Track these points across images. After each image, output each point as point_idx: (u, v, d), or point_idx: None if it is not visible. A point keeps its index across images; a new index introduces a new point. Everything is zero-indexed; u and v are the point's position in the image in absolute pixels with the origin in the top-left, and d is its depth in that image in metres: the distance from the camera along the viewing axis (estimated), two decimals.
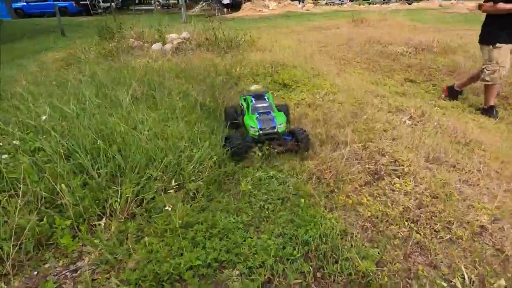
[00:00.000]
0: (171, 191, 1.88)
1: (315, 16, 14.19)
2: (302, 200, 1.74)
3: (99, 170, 1.89)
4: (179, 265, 1.41)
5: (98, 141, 2.01)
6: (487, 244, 1.54)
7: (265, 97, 2.67)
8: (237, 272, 1.42)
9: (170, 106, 2.92)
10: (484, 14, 3.49)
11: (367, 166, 2.16)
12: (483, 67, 3.44)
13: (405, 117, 2.96)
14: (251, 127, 2.34)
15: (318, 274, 1.43)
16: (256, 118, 2.40)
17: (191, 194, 1.90)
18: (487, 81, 3.42)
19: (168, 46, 5.93)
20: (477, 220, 1.65)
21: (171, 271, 1.38)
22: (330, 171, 2.10)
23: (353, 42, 7.61)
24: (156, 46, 5.99)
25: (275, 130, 2.36)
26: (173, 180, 1.90)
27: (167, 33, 6.73)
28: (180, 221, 1.62)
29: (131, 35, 6.77)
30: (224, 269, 1.43)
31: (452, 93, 3.98)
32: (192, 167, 2.04)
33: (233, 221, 1.68)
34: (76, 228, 1.62)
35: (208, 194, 1.92)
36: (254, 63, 4.84)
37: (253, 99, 2.61)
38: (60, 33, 11.02)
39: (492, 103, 3.55)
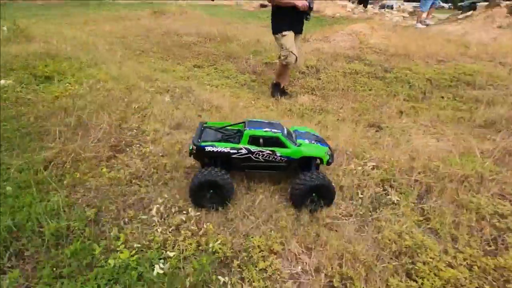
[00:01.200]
0: None
1: (118, 6, 13.31)
2: (9, 188, 1.66)
3: None
4: None
5: None
6: None
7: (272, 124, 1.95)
8: None
9: None
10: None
11: (112, 141, 2.31)
12: (280, 53, 4.00)
13: (167, 97, 3.35)
14: (325, 153, 1.90)
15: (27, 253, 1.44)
16: (309, 142, 1.93)
17: None
18: (284, 64, 4.02)
19: None
20: None
21: None
22: (71, 154, 2.11)
23: (152, 33, 7.76)
24: None
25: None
26: None
27: None
28: None
29: None
30: None
31: (276, 89, 4.24)
32: None
33: None
34: None
35: None
36: (11, 56, 4.02)
37: (273, 130, 1.82)
38: None
39: (281, 80, 4.26)
